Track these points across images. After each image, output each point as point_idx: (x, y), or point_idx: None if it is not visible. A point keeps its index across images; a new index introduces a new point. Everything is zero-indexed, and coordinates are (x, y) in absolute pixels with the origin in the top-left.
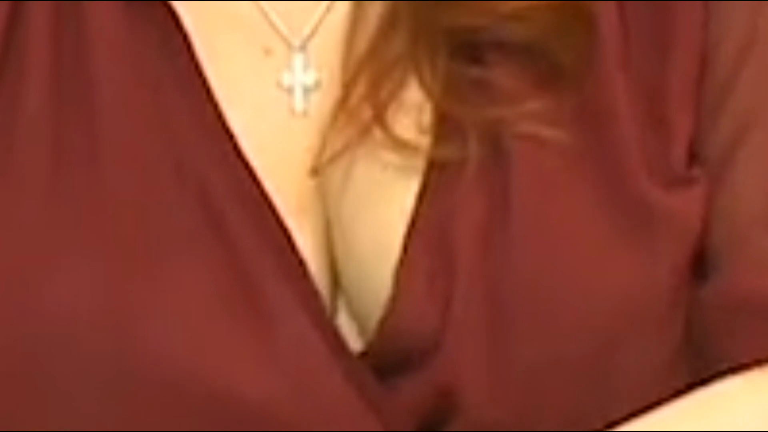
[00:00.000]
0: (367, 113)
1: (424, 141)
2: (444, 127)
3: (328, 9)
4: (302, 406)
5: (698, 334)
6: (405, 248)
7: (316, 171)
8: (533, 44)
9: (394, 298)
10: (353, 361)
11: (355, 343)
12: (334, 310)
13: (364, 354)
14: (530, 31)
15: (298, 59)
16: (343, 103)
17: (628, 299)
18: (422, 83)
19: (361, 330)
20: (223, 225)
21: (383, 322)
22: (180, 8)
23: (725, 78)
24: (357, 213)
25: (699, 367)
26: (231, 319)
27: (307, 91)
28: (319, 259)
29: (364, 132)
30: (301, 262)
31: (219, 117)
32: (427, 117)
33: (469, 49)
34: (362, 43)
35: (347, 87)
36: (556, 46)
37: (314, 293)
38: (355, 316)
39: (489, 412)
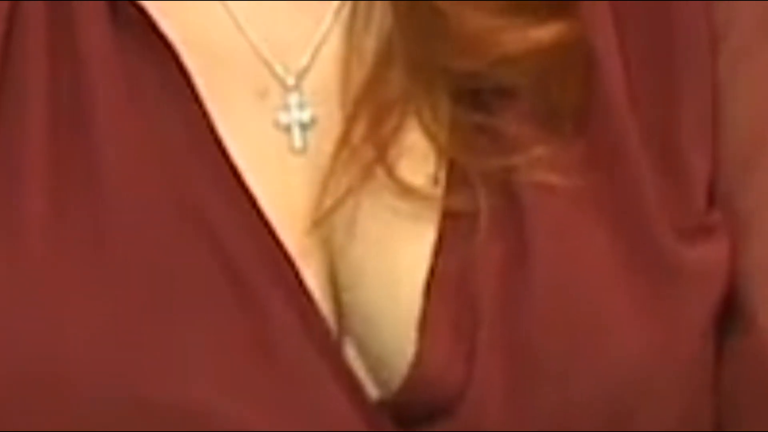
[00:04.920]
0: (369, 154)
1: (435, 189)
2: (454, 174)
3: (322, 42)
4: None
5: (728, 382)
6: (426, 298)
7: (319, 222)
8: (533, 88)
9: (420, 351)
10: (373, 410)
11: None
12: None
13: (380, 404)
14: (526, 74)
15: (293, 98)
16: (342, 143)
17: (653, 348)
18: (425, 128)
19: (372, 379)
20: (232, 264)
21: (409, 374)
22: (180, 48)
23: (758, 130)
24: (365, 260)
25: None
26: (245, 364)
27: (303, 128)
28: (324, 306)
29: (367, 175)
30: (315, 306)
31: (224, 156)
32: (435, 164)
33: (472, 94)
34: (358, 80)
35: (347, 126)
36: (556, 88)
37: (330, 338)
38: (364, 366)
39: None
